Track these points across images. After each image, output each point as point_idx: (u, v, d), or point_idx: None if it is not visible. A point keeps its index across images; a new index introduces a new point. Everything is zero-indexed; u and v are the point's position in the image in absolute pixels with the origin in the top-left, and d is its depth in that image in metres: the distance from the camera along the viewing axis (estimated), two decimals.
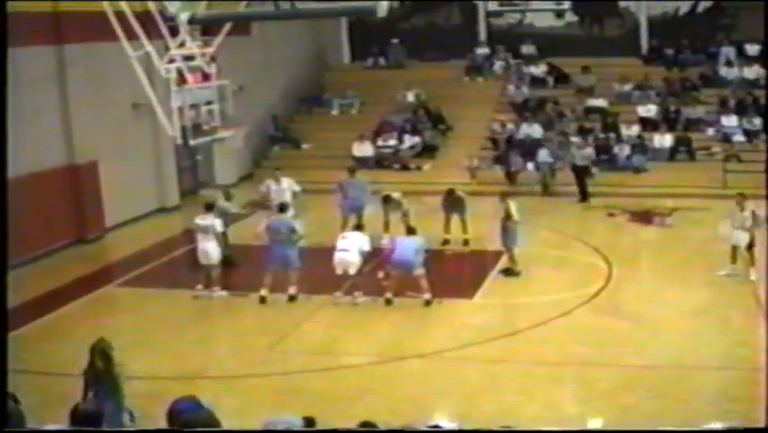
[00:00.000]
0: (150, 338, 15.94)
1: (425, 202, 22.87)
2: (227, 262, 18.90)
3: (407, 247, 17.21)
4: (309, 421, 8.50)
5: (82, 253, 22.01)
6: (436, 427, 9.49)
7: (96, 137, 22.79)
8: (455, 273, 20.18)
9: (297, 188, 21.80)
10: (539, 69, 32.68)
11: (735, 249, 18.14)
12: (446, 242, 21.32)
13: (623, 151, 28.15)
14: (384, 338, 16.03)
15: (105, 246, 22.86)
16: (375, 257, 18.23)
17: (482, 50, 33.87)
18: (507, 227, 18.90)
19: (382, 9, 13.27)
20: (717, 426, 9.26)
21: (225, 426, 7.48)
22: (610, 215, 24.25)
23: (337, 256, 17.27)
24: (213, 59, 15.80)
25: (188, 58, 15.33)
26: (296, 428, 8.34)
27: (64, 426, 8.12)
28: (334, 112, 32.76)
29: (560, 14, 32.43)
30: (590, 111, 30.33)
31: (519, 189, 25.68)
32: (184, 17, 14.66)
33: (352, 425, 8.21)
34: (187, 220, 21.27)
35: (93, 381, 10.40)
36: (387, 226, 20.92)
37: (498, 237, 19.27)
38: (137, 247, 22.09)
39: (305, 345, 15.86)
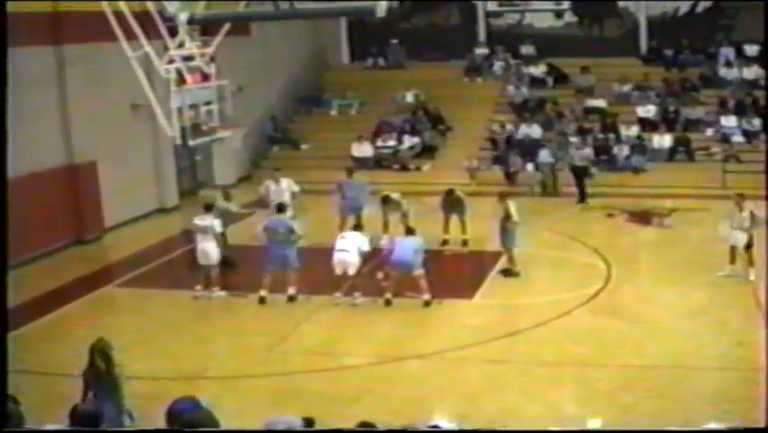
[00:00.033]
0: (150, 339, 15.93)
1: (425, 202, 22.87)
2: (226, 262, 18.91)
3: (407, 248, 17.21)
4: (309, 422, 8.50)
5: (81, 253, 22.01)
6: (436, 427, 9.47)
7: (95, 137, 22.79)
8: (455, 274, 20.17)
9: (297, 188, 21.79)
10: (538, 70, 32.69)
11: (733, 249, 18.15)
12: (445, 242, 21.32)
13: (622, 151, 28.16)
14: (383, 339, 16.02)
15: (105, 247, 22.86)
16: (374, 257, 18.23)
17: (481, 51, 33.88)
18: (506, 228, 18.90)
19: (381, 9, 13.28)
20: (717, 426, 9.24)
21: (225, 426, 7.49)
22: (609, 215, 24.26)
23: (336, 256, 17.26)
24: (212, 59, 15.82)
25: (188, 58, 15.34)
26: (295, 429, 8.34)
27: (64, 426, 8.12)
28: (333, 112, 32.77)
29: (559, 15, 32.48)
30: (590, 111, 30.33)
31: (518, 190, 25.71)
32: (183, 17, 14.68)
33: (352, 425, 8.21)
34: (187, 220, 21.24)
35: (93, 381, 10.40)
36: (386, 227, 20.92)
37: (497, 238, 19.27)
38: (136, 247, 22.09)
39: (304, 345, 15.86)
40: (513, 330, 16.02)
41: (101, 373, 10.34)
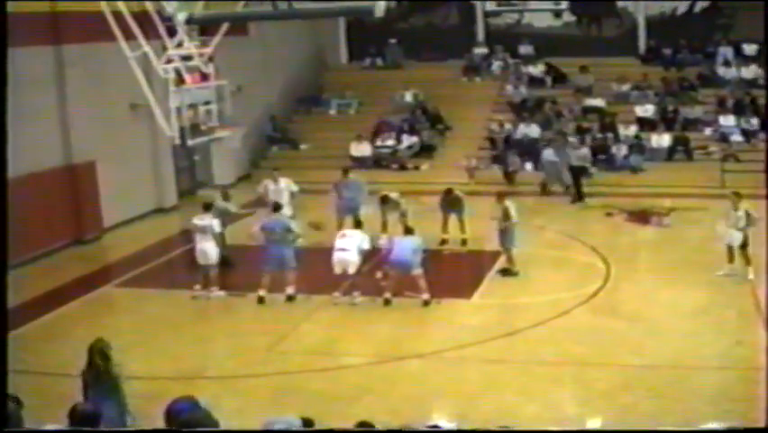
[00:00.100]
0: (149, 338, 15.93)
1: (423, 202, 22.86)
2: (225, 262, 18.91)
3: (405, 247, 17.21)
4: (307, 422, 8.49)
5: (80, 253, 22.00)
6: (435, 427, 9.47)
7: (94, 137, 22.78)
8: (453, 273, 20.16)
9: (295, 188, 21.79)
10: (537, 69, 32.70)
11: (730, 249, 18.15)
12: (444, 242, 21.32)
13: (621, 150, 28.17)
14: (383, 338, 16.02)
15: (104, 246, 22.86)
16: (373, 257, 18.23)
17: (480, 50, 33.89)
18: (505, 227, 18.90)
19: (380, 9, 13.28)
20: (716, 426, 9.24)
21: (224, 426, 7.47)
22: (608, 215, 24.26)
23: (336, 256, 17.26)
24: (211, 59, 15.84)
25: (186, 58, 15.35)
26: (294, 429, 8.33)
27: (63, 426, 8.12)
28: (332, 112, 32.77)
29: (558, 14, 32.51)
30: (588, 111, 30.34)
31: (517, 189, 25.71)
32: (181, 17, 14.69)
33: (351, 425, 8.21)
34: (185, 220, 21.26)
35: (92, 381, 10.40)
36: (385, 226, 20.91)
37: (495, 237, 19.27)
38: (135, 247, 22.09)
39: (303, 345, 15.86)
40: (512, 330, 16.02)
41: (100, 373, 10.34)
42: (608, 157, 28.03)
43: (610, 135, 28.79)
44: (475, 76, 33.15)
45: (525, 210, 20.85)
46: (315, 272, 18.06)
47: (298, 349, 15.61)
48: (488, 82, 32.91)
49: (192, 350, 15.66)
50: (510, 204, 19.08)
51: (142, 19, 15.11)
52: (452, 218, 21.26)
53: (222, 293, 18.10)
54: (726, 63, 31.13)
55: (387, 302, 17.23)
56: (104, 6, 14.93)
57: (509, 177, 27.62)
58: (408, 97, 32.02)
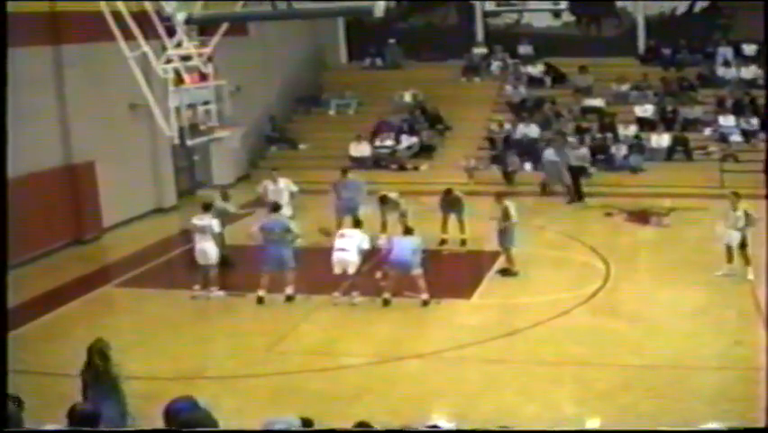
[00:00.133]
0: (149, 338, 15.93)
1: (423, 202, 22.87)
2: (224, 262, 18.91)
3: (405, 247, 17.21)
4: (307, 423, 8.49)
5: (80, 253, 22.01)
6: (435, 427, 9.47)
7: (93, 137, 22.78)
8: (453, 273, 20.16)
9: (295, 188, 21.80)
10: (536, 69, 32.70)
11: (729, 249, 18.16)
12: (444, 242, 21.32)
13: (620, 151, 28.17)
14: (382, 338, 16.02)
15: (103, 246, 22.86)
16: (372, 257, 18.23)
17: (479, 51, 33.88)
18: (504, 227, 18.91)
19: (379, 9, 13.29)
20: (716, 426, 9.23)
21: (224, 426, 7.47)
22: (608, 215, 24.27)
23: (336, 256, 17.25)
24: (210, 59, 15.83)
25: (185, 58, 15.36)
26: (294, 429, 8.33)
27: (63, 426, 8.11)
28: (332, 112, 32.76)
29: (557, 14, 32.51)
30: (588, 111, 30.34)
31: (516, 189, 25.72)
32: (181, 17, 14.70)
33: (351, 425, 8.21)
34: (185, 220, 21.26)
35: (91, 381, 10.40)
36: (384, 226, 20.91)
37: (495, 237, 19.27)
38: (135, 247, 22.09)
39: (303, 345, 15.86)
40: (511, 330, 16.02)
41: (99, 373, 10.34)
42: (607, 157, 28.03)
43: (610, 135, 28.78)
44: (474, 76, 33.14)
45: (524, 210, 20.85)
46: (315, 273, 18.07)
47: (298, 349, 15.61)
48: (487, 82, 32.91)
49: (191, 350, 15.66)
50: (510, 204, 19.09)
51: (142, 19, 15.10)
52: (452, 218, 21.26)
53: (221, 293, 18.10)
54: (726, 63, 31.13)
55: (386, 302, 17.23)
56: (103, 6, 14.93)
57: (508, 177, 27.62)
58: (408, 98, 32.02)
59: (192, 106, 15.30)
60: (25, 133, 18.70)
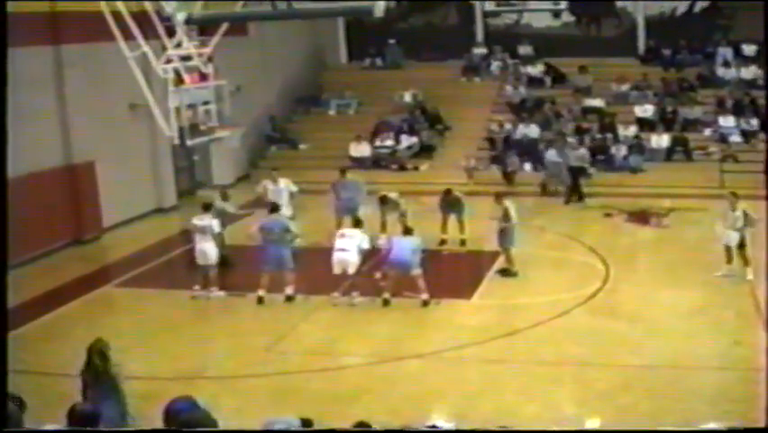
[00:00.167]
0: (148, 338, 15.93)
1: (423, 202, 22.88)
2: (224, 262, 18.91)
3: (405, 247, 17.22)
4: (307, 423, 8.49)
5: (80, 253, 22.01)
6: (434, 427, 9.48)
7: (93, 137, 22.78)
8: (453, 274, 20.18)
9: (295, 188, 21.78)
10: (536, 70, 32.70)
11: (728, 249, 18.16)
12: (443, 242, 21.33)
13: (620, 151, 28.17)
14: (382, 339, 16.02)
15: (103, 246, 22.86)
16: (372, 257, 18.24)
17: (479, 51, 33.89)
18: (504, 228, 18.91)
19: (379, 9, 13.29)
20: (716, 426, 9.24)
21: (223, 426, 7.47)
22: (607, 215, 24.27)
23: (336, 256, 17.25)
24: (210, 59, 15.82)
25: (185, 58, 15.35)
26: (294, 429, 8.33)
27: (63, 426, 8.12)
28: (332, 112, 32.77)
29: (557, 15, 32.44)
30: (588, 111, 30.35)
31: (516, 189, 25.73)
32: (181, 17, 14.69)
33: (350, 425, 8.21)
34: (185, 220, 21.27)
35: (91, 381, 10.40)
36: (383, 226, 20.90)
37: (495, 238, 19.27)
38: (135, 247, 22.09)
39: (303, 345, 15.86)
40: (511, 330, 16.02)
41: (99, 373, 10.34)
42: (607, 157, 28.03)
43: (609, 136, 28.78)
44: (474, 76, 33.15)
45: (524, 210, 20.86)
46: (315, 273, 18.08)
47: (297, 349, 15.62)
48: (487, 82, 32.91)
49: (191, 350, 15.66)
50: (510, 204, 19.09)
51: (142, 19, 15.10)
52: (452, 219, 21.26)
53: (221, 293, 18.11)
54: (726, 64, 31.14)
55: (386, 302, 17.23)
56: (103, 6, 14.93)
57: (508, 177, 27.62)
58: (408, 98, 32.02)
59: (192, 106, 15.29)
60: (25, 133, 18.69)
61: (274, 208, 18.56)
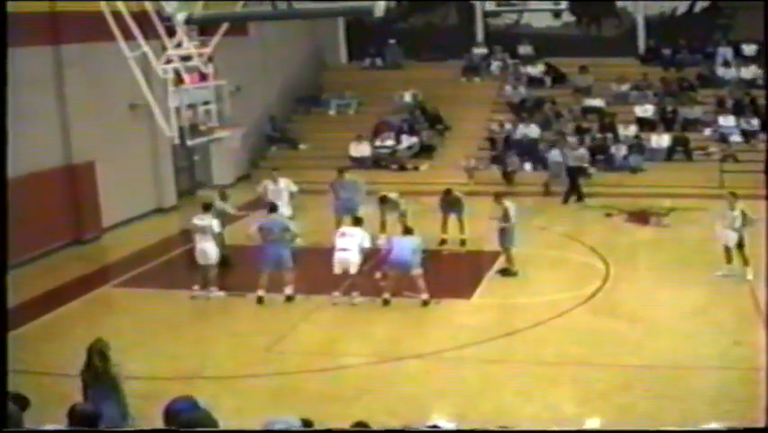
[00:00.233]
0: (148, 339, 15.93)
1: (423, 202, 22.88)
2: (224, 262, 18.91)
3: (405, 247, 17.21)
4: (307, 423, 8.49)
5: (79, 253, 22.01)
6: (434, 427, 9.48)
7: (93, 137, 22.77)
8: (453, 273, 20.16)
9: (295, 188, 21.78)
10: (536, 69, 32.71)
11: (728, 249, 18.16)
12: (443, 242, 21.33)
13: (620, 151, 28.17)
14: (382, 339, 16.02)
15: (103, 246, 22.86)
16: (372, 257, 18.23)
17: (479, 51, 33.90)
18: (504, 228, 18.91)
19: (379, 9, 13.28)
20: (716, 426, 9.24)
21: (223, 426, 7.47)
22: (607, 215, 24.27)
23: (337, 256, 17.25)
24: (210, 59, 15.81)
25: (186, 58, 15.34)
26: (294, 429, 8.33)
27: (63, 426, 8.12)
28: (332, 112, 32.78)
29: (557, 14, 32.50)
30: (588, 111, 30.35)
31: (515, 189, 25.74)
32: (181, 17, 14.67)
33: (350, 425, 8.22)
34: (185, 220, 21.28)
35: (91, 381, 10.39)
36: (383, 226, 20.90)
37: (495, 237, 19.28)
38: (134, 247, 22.08)
39: (302, 345, 15.86)
40: (511, 330, 16.03)
41: (99, 374, 10.34)
42: (607, 157, 28.04)
43: (610, 135, 28.79)
44: (474, 76, 33.16)
45: (524, 210, 20.86)
46: (314, 272, 18.08)
47: (297, 349, 15.61)
48: (487, 82, 32.92)
49: (191, 350, 15.66)
50: (510, 204, 19.09)
51: (142, 19, 15.09)
52: (452, 219, 21.26)
53: (221, 293, 18.10)
54: (726, 63, 31.15)
55: (386, 302, 17.23)
56: (103, 6, 14.92)
57: (508, 177, 27.63)
58: (408, 98, 32.02)
59: (192, 107, 15.28)
60: (25, 133, 18.66)
61: (273, 208, 18.56)
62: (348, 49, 35.57)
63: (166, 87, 14.97)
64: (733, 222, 17.97)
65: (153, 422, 8.12)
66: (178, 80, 15.12)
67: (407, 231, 17.96)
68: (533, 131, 29.43)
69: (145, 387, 12.42)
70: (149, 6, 15.13)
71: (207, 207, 18.52)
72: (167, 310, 17.65)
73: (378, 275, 17.93)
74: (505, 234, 18.93)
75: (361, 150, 29.64)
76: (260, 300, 17.54)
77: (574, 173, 26.10)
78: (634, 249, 21.90)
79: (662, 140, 28.39)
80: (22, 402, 8.42)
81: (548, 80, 32.47)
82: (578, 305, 17.10)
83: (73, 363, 11.17)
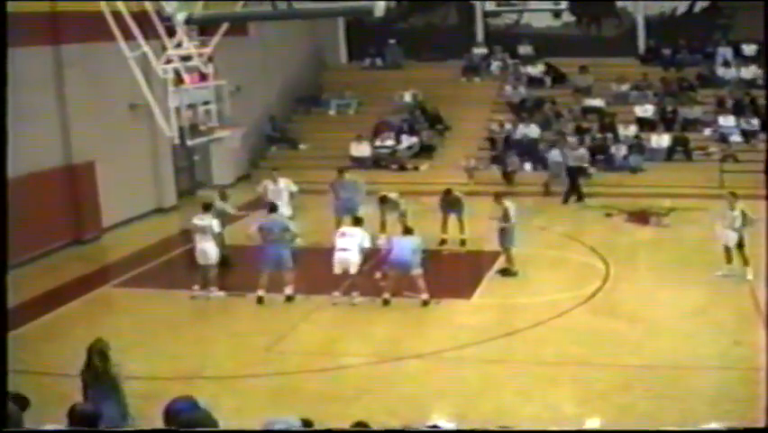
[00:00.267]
0: (148, 339, 15.92)
1: (423, 202, 22.88)
2: (224, 262, 18.91)
3: (405, 247, 17.21)
4: (307, 423, 8.50)
5: (80, 253, 22.00)
6: (434, 427, 9.48)
7: (93, 137, 22.77)
8: (453, 273, 20.16)
9: (295, 188, 21.79)
10: (536, 69, 32.71)
11: (728, 249, 18.16)
12: (443, 242, 21.33)
13: (620, 151, 28.18)
14: (382, 339, 16.02)
15: (103, 247, 22.86)
16: (372, 257, 18.23)
17: (479, 51, 33.91)
18: (504, 228, 18.91)
19: (379, 9, 13.27)
20: (716, 426, 9.24)
21: (223, 426, 7.47)
22: (608, 215, 24.27)
23: (338, 256, 17.25)
24: (210, 59, 15.80)
25: (186, 58, 15.34)
26: (294, 429, 8.33)
27: (63, 426, 8.12)
28: (332, 112, 32.78)
29: (557, 14, 32.50)
30: (588, 111, 30.36)
31: (515, 189, 25.74)
32: (181, 17, 14.66)
33: (350, 425, 8.22)
34: (185, 220, 21.28)
35: (91, 381, 10.39)
36: (383, 226, 20.90)
37: (495, 237, 19.28)
38: (134, 248, 22.08)
39: (302, 345, 15.86)
40: (511, 330, 16.03)
41: (99, 374, 10.34)
42: (607, 157, 28.04)
43: (610, 135, 28.80)
44: (474, 76, 33.16)
45: (524, 210, 20.86)
46: (314, 272, 18.08)
47: (297, 349, 15.61)
48: (487, 82, 32.92)
49: (191, 350, 15.66)
50: (510, 204, 19.09)
51: (142, 19, 15.09)
52: (452, 218, 21.26)
53: (221, 293, 18.10)
54: (726, 63, 31.15)
55: (386, 302, 17.23)
56: (103, 6, 14.92)
57: (508, 177, 27.63)
58: (408, 98, 32.03)
59: (192, 107, 15.28)
60: (25, 133, 18.67)
61: (272, 208, 18.56)
62: (348, 49, 35.57)
63: (166, 87, 14.97)
64: (733, 222, 17.97)
65: (153, 422, 8.12)
66: (178, 80, 15.12)
67: (407, 231, 17.96)
68: (533, 131, 29.43)
69: (145, 387, 12.42)
70: (149, 6, 15.12)
71: (207, 207, 18.52)
72: (167, 310, 17.65)
73: (378, 275, 17.93)
74: (505, 234, 18.93)
75: (362, 150, 29.64)
76: (260, 300, 17.55)
77: (574, 173, 26.11)
78: (634, 249, 21.90)
79: (662, 140, 28.39)
80: (22, 402, 8.42)
81: (548, 80, 32.48)
82: (578, 305, 17.10)
83: (73, 363, 11.17)
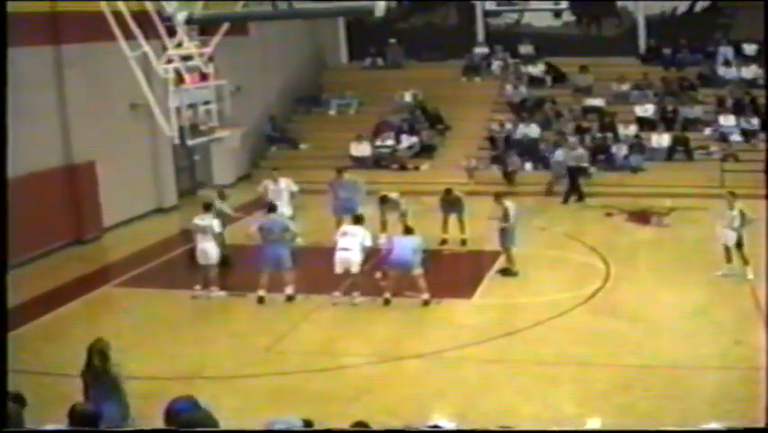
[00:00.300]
0: (148, 338, 15.93)
1: (423, 202, 22.88)
2: (225, 262, 18.91)
3: (405, 247, 17.21)
4: (308, 423, 8.50)
5: (80, 253, 22.00)
6: (435, 427, 9.48)
7: (93, 137, 22.77)
8: (453, 273, 20.17)
9: (295, 188, 21.79)
10: (537, 69, 32.70)
11: (727, 249, 18.15)
12: (444, 242, 21.33)
13: (620, 150, 28.18)
14: (382, 338, 16.02)
15: (103, 246, 22.86)
16: (373, 256, 18.23)
17: (480, 50, 33.90)
18: (504, 228, 18.91)
19: (380, 9, 13.26)
20: (716, 426, 9.24)
21: (224, 426, 7.47)
22: (608, 215, 24.27)
23: (339, 255, 17.25)
24: (210, 59, 15.80)
25: (186, 58, 15.32)
26: (295, 429, 8.33)
27: (63, 426, 8.12)
28: (332, 112, 32.78)
29: (558, 14, 32.51)
30: (588, 111, 30.35)
31: (516, 189, 25.74)
32: (181, 17, 14.65)
33: (350, 425, 8.21)
34: (185, 220, 21.26)
35: (92, 381, 10.39)
36: (384, 226, 20.90)
37: (495, 237, 19.28)
38: (135, 247, 22.09)
39: (303, 345, 15.86)
40: (511, 330, 16.03)
41: (99, 374, 10.34)
42: (607, 157, 28.05)
43: (610, 135, 28.80)
44: (475, 76, 33.15)
45: (524, 210, 20.85)
46: (315, 272, 18.08)
47: (297, 349, 15.61)
48: (487, 82, 32.91)
49: (191, 350, 15.65)
50: (510, 204, 19.09)
51: (142, 19, 15.08)
52: (452, 218, 21.27)
53: (222, 293, 18.11)
54: (727, 63, 31.15)
55: (386, 302, 17.24)
56: (103, 6, 14.90)
57: (509, 177, 27.63)
58: (408, 97, 32.02)
59: (192, 106, 15.27)
60: (25, 133, 18.67)
61: (272, 208, 18.57)
62: (348, 48, 35.58)
63: (166, 86, 14.96)
64: (732, 221, 17.98)
65: (153, 422, 8.12)
66: (179, 80, 15.10)
67: (408, 231, 17.97)
68: (533, 130, 29.43)
69: (145, 387, 12.41)
70: (149, 6, 15.12)
71: (208, 207, 18.53)
72: (167, 310, 17.66)
73: (378, 275, 17.93)
74: (505, 234, 18.93)
75: (362, 150, 29.65)
76: (260, 300, 17.55)
77: (574, 173, 26.11)
78: (634, 249, 21.88)
79: (662, 139, 28.39)
80: (20, 402, 8.42)
81: (548, 80, 32.47)
82: (578, 305, 17.10)
83: (73, 363, 11.17)
